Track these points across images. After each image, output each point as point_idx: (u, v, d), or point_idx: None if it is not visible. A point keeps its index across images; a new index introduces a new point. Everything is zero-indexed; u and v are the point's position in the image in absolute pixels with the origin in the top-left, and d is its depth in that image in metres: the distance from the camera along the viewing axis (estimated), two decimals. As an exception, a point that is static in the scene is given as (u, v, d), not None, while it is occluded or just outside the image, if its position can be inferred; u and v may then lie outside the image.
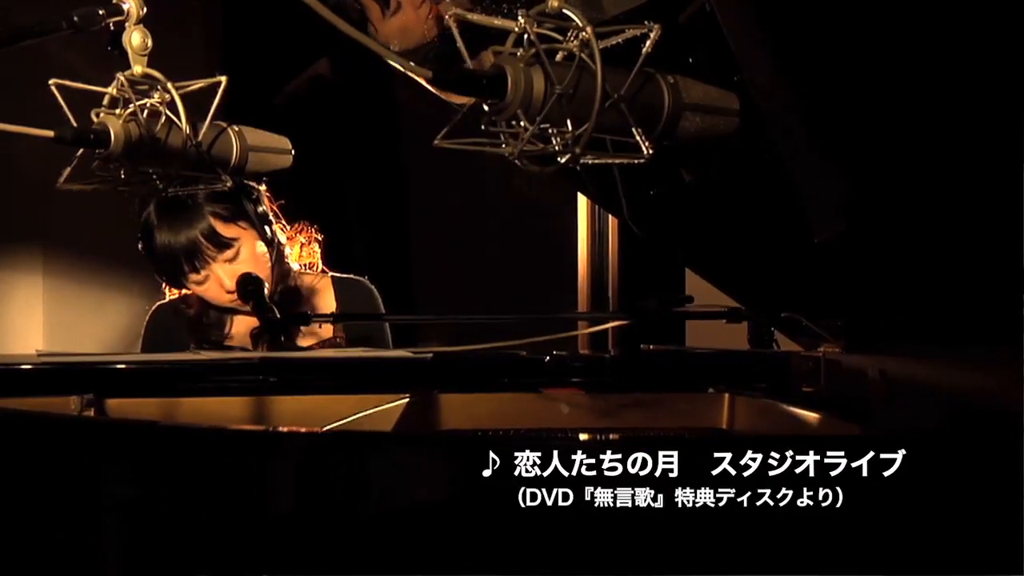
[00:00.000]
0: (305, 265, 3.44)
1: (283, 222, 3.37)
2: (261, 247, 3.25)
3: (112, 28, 2.12)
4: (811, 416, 2.33)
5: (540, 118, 1.67)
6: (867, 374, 2.49)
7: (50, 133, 2.04)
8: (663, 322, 3.34)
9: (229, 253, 3.22)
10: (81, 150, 2.12)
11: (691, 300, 3.23)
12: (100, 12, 2.08)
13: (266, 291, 3.06)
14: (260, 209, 3.27)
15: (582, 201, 4.55)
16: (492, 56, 1.74)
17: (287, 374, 2.58)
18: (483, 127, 1.74)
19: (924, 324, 2.43)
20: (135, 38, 2.11)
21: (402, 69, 1.67)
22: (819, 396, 2.57)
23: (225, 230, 3.24)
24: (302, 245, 3.43)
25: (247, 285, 3.07)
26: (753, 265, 2.67)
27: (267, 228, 3.28)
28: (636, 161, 1.76)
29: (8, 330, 4.37)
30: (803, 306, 2.69)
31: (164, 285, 3.42)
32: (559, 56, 1.75)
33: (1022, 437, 1.61)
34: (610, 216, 4.56)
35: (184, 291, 3.40)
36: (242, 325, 3.32)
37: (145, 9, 2.13)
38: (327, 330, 3.34)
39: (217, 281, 3.22)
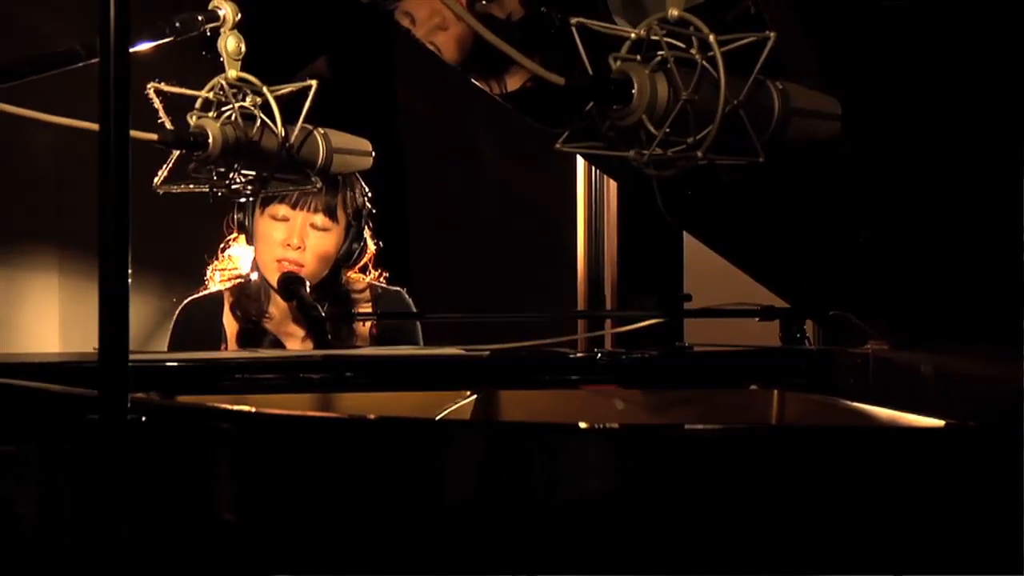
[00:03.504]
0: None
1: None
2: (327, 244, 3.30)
3: (208, 33, 2.16)
4: (875, 411, 2.38)
5: (668, 124, 1.72)
6: (919, 370, 2.55)
7: (153, 136, 2.08)
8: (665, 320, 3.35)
9: (324, 231, 3.29)
10: (177, 152, 2.15)
11: (689, 299, 3.29)
12: (199, 18, 2.12)
13: (308, 289, 3.10)
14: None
15: (580, 200, 4.59)
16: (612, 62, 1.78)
17: (349, 371, 2.61)
18: (605, 132, 1.79)
19: (967, 321, 2.48)
20: (230, 43, 2.16)
21: (541, 75, 1.71)
22: (868, 391, 2.63)
23: (340, 213, 3.30)
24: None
25: (289, 284, 3.11)
26: (794, 261, 2.72)
27: (362, 232, 3.35)
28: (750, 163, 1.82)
29: (24, 329, 4.37)
30: (845, 303, 2.75)
31: (207, 277, 3.45)
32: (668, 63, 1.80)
33: (1022, 436, 1.65)
34: (607, 215, 4.60)
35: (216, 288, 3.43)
36: (281, 304, 3.35)
37: (240, 15, 2.17)
38: (362, 333, 3.40)
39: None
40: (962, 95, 2.15)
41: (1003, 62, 2.07)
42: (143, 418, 1.48)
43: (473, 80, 2.93)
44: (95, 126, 1.39)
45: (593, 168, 4.44)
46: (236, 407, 1.74)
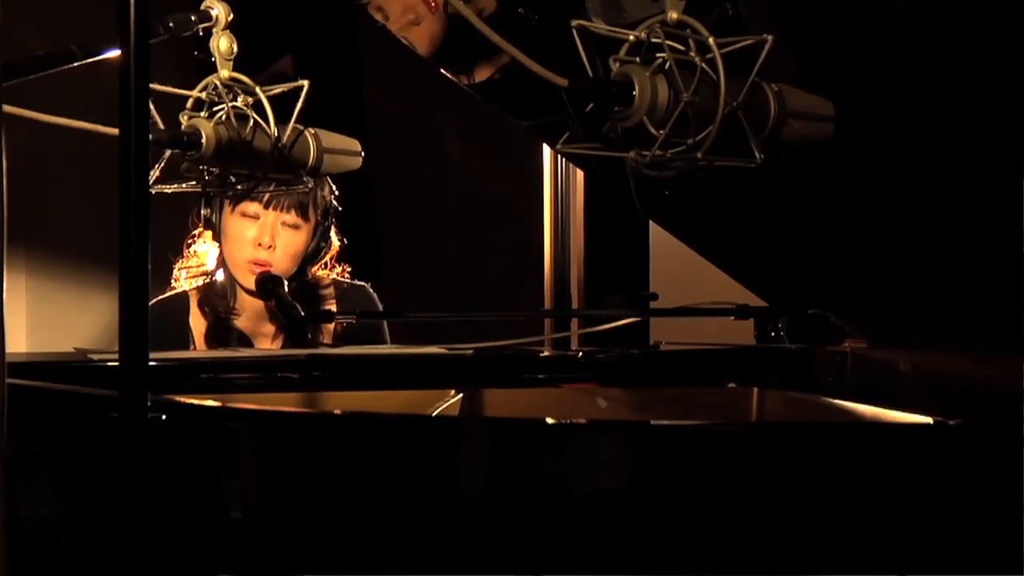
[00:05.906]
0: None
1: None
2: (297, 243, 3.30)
3: (201, 34, 2.16)
4: (856, 408, 2.39)
5: (670, 125, 1.74)
6: (898, 368, 2.57)
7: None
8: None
9: (295, 229, 3.29)
10: (169, 152, 2.15)
11: (656, 297, 3.31)
12: (192, 18, 2.12)
13: (285, 288, 3.10)
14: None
15: (547, 199, 4.60)
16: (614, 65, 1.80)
17: (335, 370, 2.62)
18: (604, 133, 1.81)
19: (946, 319, 2.50)
20: (223, 43, 2.16)
21: (544, 76, 1.72)
22: (847, 389, 2.65)
23: (311, 211, 3.31)
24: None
25: (267, 284, 3.10)
26: (774, 260, 2.73)
27: (328, 230, 3.35)
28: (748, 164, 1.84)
29: (-9, 328, 4.32)
30: (822, 302, 2.77)
31: (174, 276, 3.44)
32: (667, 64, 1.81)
33: (1022, 435, 1.66)
34: (573, 214, 4.62)
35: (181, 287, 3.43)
36: (248, 301, 3.35)
37: (232, 15, 2.18)
38: (328, 330, 3.39)
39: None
40: (939, 94, 2.18)
41: (977, 57, 2.10)
42: (163, 416, 1.48)
43: (444, 72, 2.95)
44: (111, 130, 1.39)
45: (559, 166, 4.46)
46: (259, 406, 1.74)
